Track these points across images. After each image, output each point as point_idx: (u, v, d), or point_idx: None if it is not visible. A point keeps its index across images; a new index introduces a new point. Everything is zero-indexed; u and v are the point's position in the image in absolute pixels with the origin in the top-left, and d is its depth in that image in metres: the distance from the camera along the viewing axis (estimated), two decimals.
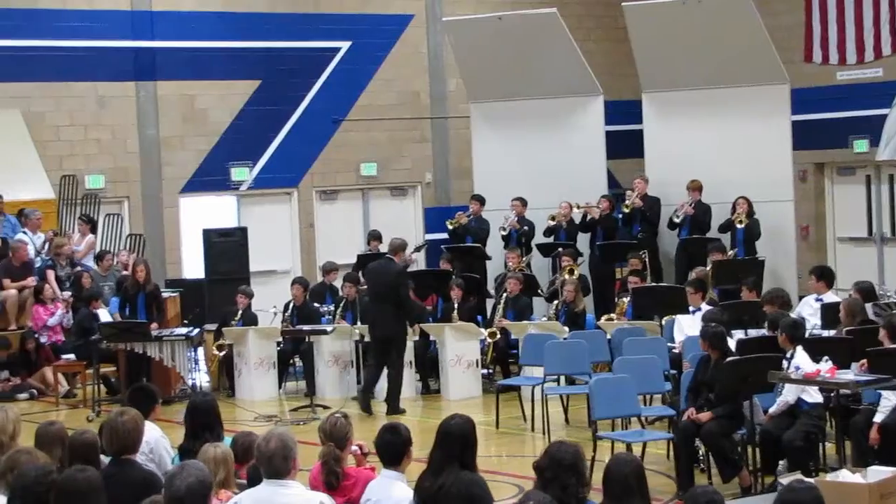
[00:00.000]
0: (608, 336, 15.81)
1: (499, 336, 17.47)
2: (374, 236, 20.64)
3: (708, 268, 17.72)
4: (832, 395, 11.60)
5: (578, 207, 20.55)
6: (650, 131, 21.24)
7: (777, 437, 11.41)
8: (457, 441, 7.54)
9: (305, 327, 17.49)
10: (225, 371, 18.31)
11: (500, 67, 21.40)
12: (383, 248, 19.81)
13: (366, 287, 17.27)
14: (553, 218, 20.47)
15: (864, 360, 11.62)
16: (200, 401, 9.58)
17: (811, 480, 7.93)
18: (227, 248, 20.13)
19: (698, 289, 15.35)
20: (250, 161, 22.70)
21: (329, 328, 17.35)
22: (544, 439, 14.01)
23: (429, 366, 17.66)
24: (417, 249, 21.13)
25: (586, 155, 21.12)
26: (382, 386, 16.46)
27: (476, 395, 17.03)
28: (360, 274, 18.52)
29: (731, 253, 19.09)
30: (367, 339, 17.18)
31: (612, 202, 20.68)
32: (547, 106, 21.34)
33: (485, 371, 17.64)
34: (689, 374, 12.49)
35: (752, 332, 13.88)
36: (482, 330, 17.48)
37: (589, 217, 20.55)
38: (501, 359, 17.89)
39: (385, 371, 16.37)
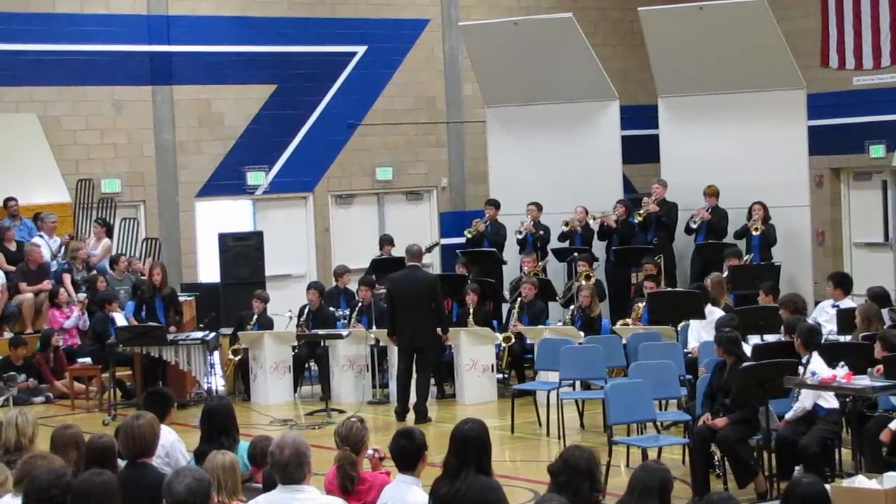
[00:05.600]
0: (624, 341, 15.81)
1: (514, 340, 17.47)
2: (387, 241, 20.65)
3: (724, 273, 17.68)
4: (848, 400, 11.59)
5: (595, 219, 20.47)
6: (666, 136, 21.22)
7: (793, 442, 11.38)
8: (473, 446, 7.53)
9: (321, 331, 17.49)
10: (240, 375, 18.33)
11: (516, 72, 21.40)
12: (396, 251, 19.82)
13: (388, 295, 16.77)
14: (567, 224, 20.45)
15: (880, 365, 11.59)
16: (216, 405, 9.61)
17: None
18: (242, 253, 20.16)
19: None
20: (266, 165, 22.74)
21: (344, 332, 17.37)
22: (559, 444, 13.99)
23: (444, 370, 17.64)
24: (428, 249, 21.15)
25: (602, 160, 21.11)
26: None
27: (491, 400, 17.01)
28: (374, 277, 18.51)
29: (746, 258, 19.05)
30: (381, 343, 17.18)
31: (628, 207, 20.64)
32: (563, 110, 21.33)
33: (500, 375, 17.63)
34: (705, 379, 12.47)
35: (769, 338, 13.87)
36: (497, 334, 17.47)
37: (605, 225, 20.48)
38: (517, 363, 17.88)
39: (415, 378, 16.24)
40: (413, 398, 16.13)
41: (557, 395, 14.77)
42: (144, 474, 7.97)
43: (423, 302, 16.09)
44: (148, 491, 7.68)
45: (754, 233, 19.48)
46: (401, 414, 16.04)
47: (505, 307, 19.10)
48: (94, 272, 19.59)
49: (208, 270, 21.59)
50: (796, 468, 11.50)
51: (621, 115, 21.37)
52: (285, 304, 19.08)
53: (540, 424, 15.33)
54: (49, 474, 7.08)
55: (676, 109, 21.03)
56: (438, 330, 16.26)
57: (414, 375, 16.20)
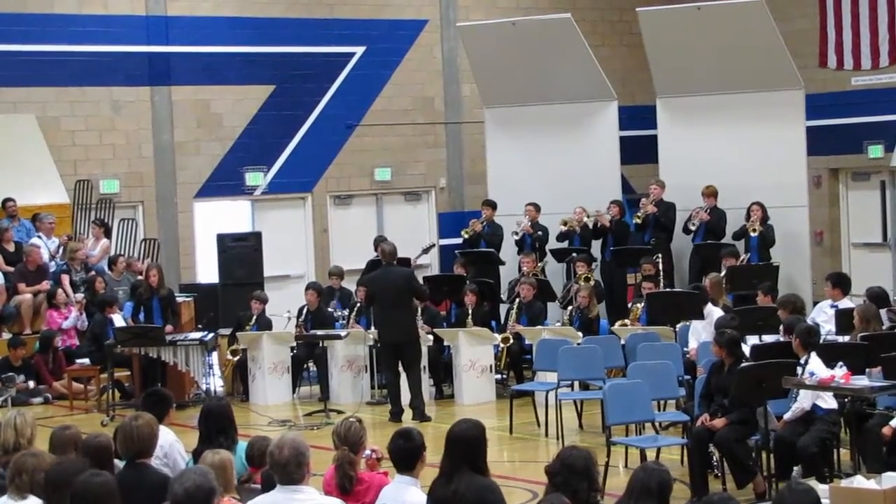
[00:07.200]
0: (622, 341, 15.81)
1: (512, 341, 17.47)
2: (381, 241, 20.58)
3: (722, 273, 17.68)
4: (846, 401, 11.60)
5: (588, 217, 20.51)
6: (664, 136, 21.23)
7: (791, 442, 11.39)
8: (463, 446, 7.51)
9: (319, 332, 17.50)
10: (239, 376, 18.32)
11: (515, 72, 21.40)
12: None
13: (366, 295, 17.08)
14: (565, 223, 20.46)
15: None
16: (214, 405, 9.61)
17: (810, 483, 7.92)
18: (241, 253, 20.15)
19: None
20: (265, 166, 22.73)
21: (343, 333, 17.38)
22: (558, 444, 13.98)
23: (442, 371, 17.66)
24: (425, 251, 21.13)
25: (600, 160, 21.11)
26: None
27: (490, 401, 17.02)
28: None
29: (743, 258, 19.03)
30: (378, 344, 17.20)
31: (622, 207, 20.66)
32: (561, 111, 21.32)
33: (498, 376, 17.63)
34: (703, 379, 12.47)
35: (767, 338, 13.87)
36: (496, 335, 17.48)
37: (600, 224, 20.51)
38: (515, 364, 17.89)
39: (405, 376, 16.30)
40: (407, 398, 16.17)
41: (556, 396, 14.77)
42: (143, 475, 7.97)
43: (401, 296, 16.23)
44: (147, 491, 7.69)
45: (752, 233, 19.48)
46: (395, 415, 16.06)
47: (503, 308, 19.09)
48: (93, 273, 19.58)
49: (207, 271, 21.58)
50: (795, 469, 11.50)
51: (620, 116, 21.37)
52: (284, 304, 19.10)
53: (538, 425, 15.34)
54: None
55: (675, 110, 21.03)
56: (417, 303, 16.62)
57: (403, 377, 16.26)
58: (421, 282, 17.68)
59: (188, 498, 6.61)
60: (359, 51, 23.49)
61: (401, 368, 16.27)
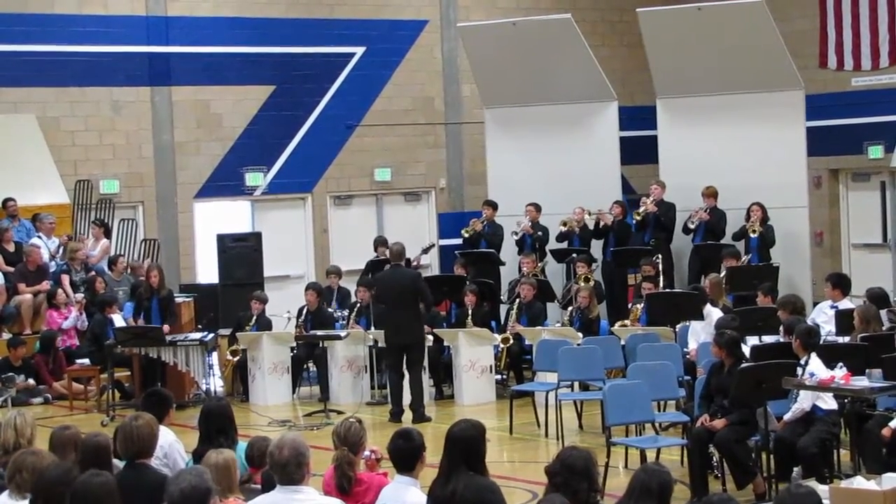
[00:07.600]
0: (622, 342, 15.81)
1: (512, 341, 17.47)
2: (381, 242, 20.59)
3: (722, 274, 17.68)
4: (846, 401, 11.60)
5: (590, 215, 20.53)
6: (664, 137, 21.23)
7: (792, 443, 11.39)
8: (460, 446, 7.51)
9: (319, 332, 17.50)
10: (239, 376, 18.32)
11: (515, 73, 21.40)
12: None
13: (376, 296, 17.17)
14: (565, 224, 20.47)
15: None
16: (214, 405, 9.61)
17: (810, 485, 7.92)
18: (241, 254, 20.15)
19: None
20: (265, 166, 22.73)
21: (343, 333, 17.38)
22: (558, 445, 13.97)
23: (443, 371, 17.66)
24: (425, 251, 21.12)
25: (600, 160, 21.11)
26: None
27: (490, 401, 17.01)
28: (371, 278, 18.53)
29: (744, 259, 19.06)
30: (380, 344, 17.17)
31: (624, 207, 20.67)
32: (561, 111, 21.33)
33: (498, 376, 17.63)
34: (702, 380, 12.47)
35: (767, 339, 13.87)
36: (496, 335, 17.48)
37: (602, 224, 20.53)
38: (515, 364, 17.89)
39: (407, 377, 16.30)
40: (408, 398, 16.17)
41: (556, 396, 14.77)
42: (143, 475, 7.97)
43: (406, 297, 16.19)
44: (147, 492, 7.68)
45: (752, 234, 19.49)
46: (395, 415, 16.05)
47: (503, 308, 19.10)
48: (93, 273, 19.59)
49: (207, 271, 21.58)
50: (795, 469, 11.50)
51: (620, 116, 21.38)
52: (284, 304, 19.10)
53: (538, 425, 15.34)
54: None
55: (675, 110, 21.04)
56: (422, 306, 16.45)
57: (406, 377, 16.26)
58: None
59: (184, 498, 6.61)
60: (359, 51, 23.50)
61: (404, 369, 16.28)
